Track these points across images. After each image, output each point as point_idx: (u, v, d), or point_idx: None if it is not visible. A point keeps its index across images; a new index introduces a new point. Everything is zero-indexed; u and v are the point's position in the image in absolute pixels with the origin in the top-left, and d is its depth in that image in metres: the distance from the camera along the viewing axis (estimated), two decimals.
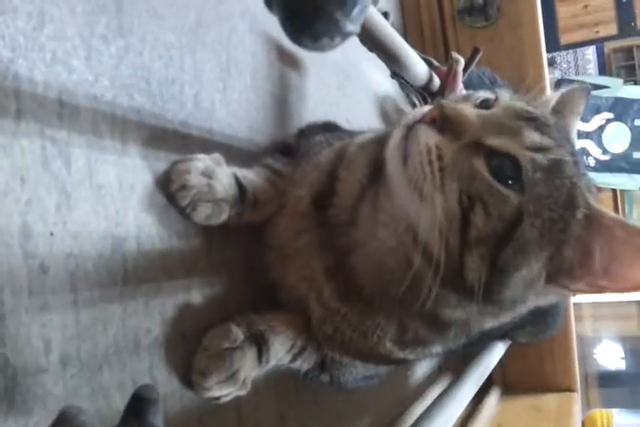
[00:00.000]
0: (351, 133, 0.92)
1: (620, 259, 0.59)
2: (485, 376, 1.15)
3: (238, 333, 0.69)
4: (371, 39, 0.80)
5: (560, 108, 0.75)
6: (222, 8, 0.85)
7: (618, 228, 0.60)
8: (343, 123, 1.08)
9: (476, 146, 0.60)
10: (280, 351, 0.75)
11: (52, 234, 0.54)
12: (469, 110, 0.63)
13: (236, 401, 0.71)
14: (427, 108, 0.64)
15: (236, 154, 0.83)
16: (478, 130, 0.61)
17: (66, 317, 0.54)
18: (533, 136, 0.61)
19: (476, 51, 1.08)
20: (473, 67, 1.10)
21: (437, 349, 0.81)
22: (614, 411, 1.68)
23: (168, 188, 0.68)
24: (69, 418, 0.42)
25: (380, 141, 0.73)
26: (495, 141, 0.60)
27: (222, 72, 0.83)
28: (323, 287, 0.75)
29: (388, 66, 0.99)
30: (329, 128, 0.96)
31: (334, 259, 0.74)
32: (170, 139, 0.71)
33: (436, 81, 1.07)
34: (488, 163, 0.59)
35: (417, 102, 0.72)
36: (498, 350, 1.28)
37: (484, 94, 0.69)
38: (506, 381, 1.75)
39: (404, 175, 0.62)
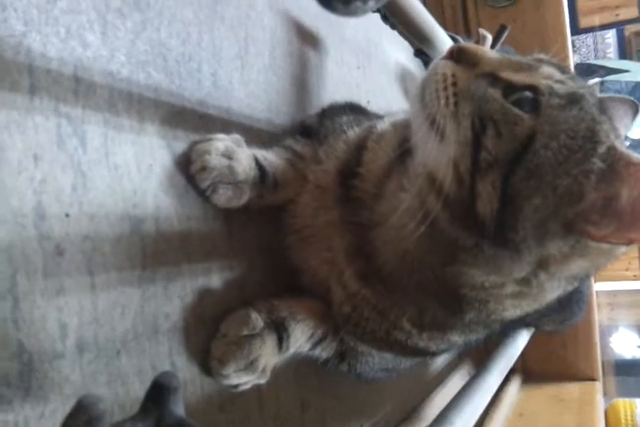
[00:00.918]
0: (379, 116, 0.89)
1: None
2: (510, 366, 1.12)
3: (258, 319, 0.67)
4: (397, 13, 0.77)
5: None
6: None
7: None
8: (363, 104, 1.06)
9: (492, 79, 0.60)
10: (300, 339, 0.73)
11: (67, 215, 0.52)
12: (489, 50, 0.64)
13: (257, 388, 0.70)
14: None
15: (255, 135, 0.80)
16: (495, 65, 0.61)
17: (83, 300, 0.52)
18: (552, 71, 0.60)
19: (503, 28, 1.04)
20: (499, 45, 1.06)
21: (456, 337, 0.77)
22: (637, 401, 1.65)
23: (188, 169, 0.66)
24: (88, 406, 0.40)
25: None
26: (512, 75, 0.60)
27: (241, 50, 0.80)
28: (344, 269, 0.73)
29: (413, 44, 0.96)
30: (354, 109, 0.93)
31: (355, 237, 0.72)
32: (188, 118, 0.69)
33: None
34: (505, 97, 0.58)
35: None
36: (522, 339, 1.26)
37: None
38: (527, 369, 1.73)
39: (420, 108, 0.62)
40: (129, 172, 0.59)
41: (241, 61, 0.80)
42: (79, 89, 0.55)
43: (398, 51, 1.40)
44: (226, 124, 0.75)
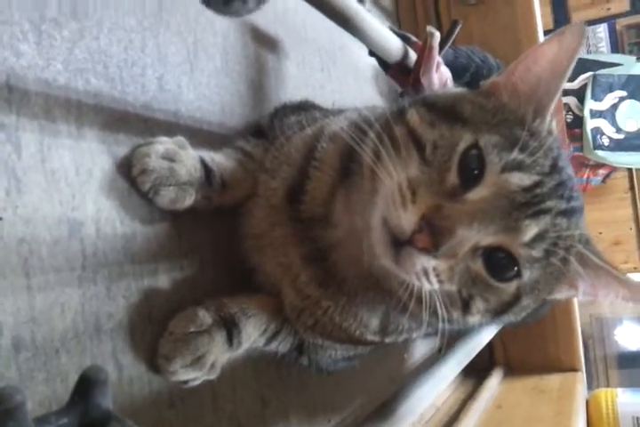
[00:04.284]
0: (327, 113, 0.90)
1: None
2: (471, 356, 1.13)
3: (205, 316, 0.69)
4: (332, 14, 0.79)
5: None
6: None
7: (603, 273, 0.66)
8: (328, 106, 1.07)
9: (473, 250, 0.61)
10: (253, 335, 0.75)
11: (0, 219, 0.54)
12: (460, 221, 0.58)
13: (210, 385, 0.71)
14: (408, 217, 0.58)
15: (205, 137, 0.82)
16: (473, 238, 0.59)
17: (18, 301, 0.54)
18: (531, 229, 0.60)
19: (454, 24, 1.05)
20: (452, 41, 1.07)
21: (419, 334, 0.82)
22: (619, 390, 1.66)
23: (130, 172, 0.67)
24: (5, 398, 0.42)
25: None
26: (492, 241, 0.60)
27: (189, 54, 0.82)
28: (299, 272, 0.74)
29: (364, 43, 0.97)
30: (304, 107, 0.95)
31: (312, 250, 0.73)
32: (131, 122, 0.70)
33: (412, 57, 1.05)
34: (485, 256, 0.61)
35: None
36: (487, 332, 1.26)
37: (464, 143, 0.61)
38: (508, 362, 1.74)
39: (397, 270, 0.62)
40: (66, 176, 0.61)
41: (190, 65, 0.82)
42: (12, 97, 0.57)
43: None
44: (173, 128, 0.76)
